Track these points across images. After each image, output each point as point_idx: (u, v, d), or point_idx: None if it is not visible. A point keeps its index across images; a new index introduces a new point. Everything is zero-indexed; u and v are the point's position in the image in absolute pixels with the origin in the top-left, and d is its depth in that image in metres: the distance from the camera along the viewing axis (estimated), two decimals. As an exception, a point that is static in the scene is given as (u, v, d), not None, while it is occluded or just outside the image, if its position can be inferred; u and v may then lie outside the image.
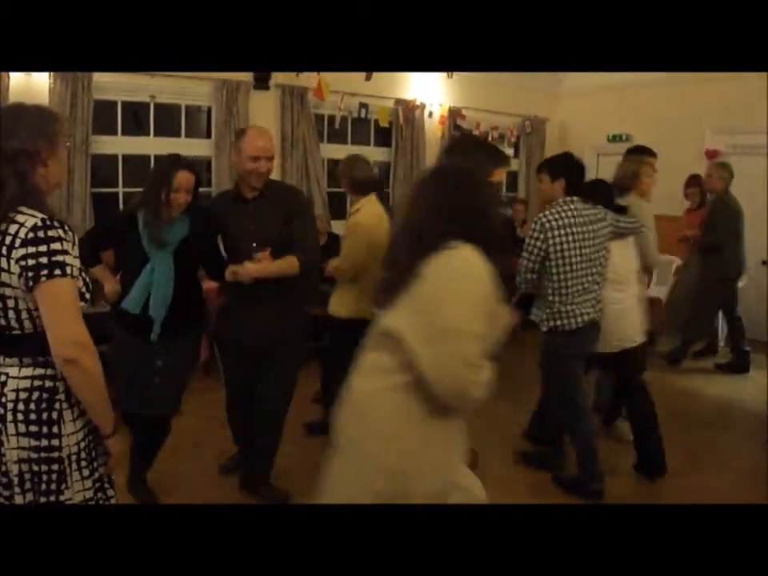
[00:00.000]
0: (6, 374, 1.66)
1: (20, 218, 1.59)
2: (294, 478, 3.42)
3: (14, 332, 1.65)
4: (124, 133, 5.73)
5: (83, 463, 1.73)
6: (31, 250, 1.57)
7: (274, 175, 6.24)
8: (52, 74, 5.00)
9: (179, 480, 3.48)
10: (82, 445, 1.72)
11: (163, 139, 5.93)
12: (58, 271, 1.58)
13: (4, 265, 1.59)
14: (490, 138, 8.14)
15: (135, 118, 5.98)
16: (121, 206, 5.69)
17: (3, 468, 1.68)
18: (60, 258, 1.59)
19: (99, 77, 5.20)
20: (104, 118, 5.56)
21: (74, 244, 1.66)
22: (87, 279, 1.74)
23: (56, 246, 1.59)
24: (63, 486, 1.68)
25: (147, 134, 5.86)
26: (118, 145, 5.69)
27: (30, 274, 1.57)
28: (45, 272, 1.57)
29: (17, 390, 1.64)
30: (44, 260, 1.57)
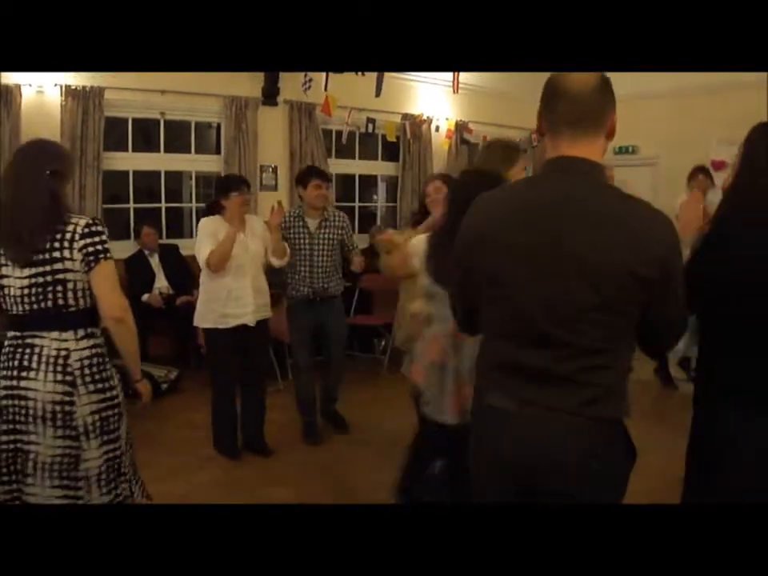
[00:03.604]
0: (67, 349, 2.09)
1: (73, 220, 2.10)
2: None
3: (71, 309, 2.10)
4: (135, 149, 5.82)
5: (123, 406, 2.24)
6: (89, 240, 2.08)
7: (282, 190, 6.36)
8: (64, 91, 5.09)
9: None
10: (121, 395, 2.22)
11: (173, 155, 6.01)
12: (108, 255, 2.12)
13: (67, 255, 2.07)
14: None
15: (145, 135, 6.07)
16: (132, 222, 5.75)
17: (74, 423, 2.07)
18: (106, 245, 2.12)
19: (110, 94, 5.28)
20: (115, 134, 5.65)
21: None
22: None
23: (103, 237, 2.11)
24: (120, 425, 2.19)
25: (158, 150, 5.94)
26: (129, 161, 5.77)
27: (91, 258, 2.08)
28: (101, 256, 2.09)
29: (80, 360, 2.10)
30: (99, 247, 2.09)
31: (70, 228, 2.07)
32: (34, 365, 2.06)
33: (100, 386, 2.11)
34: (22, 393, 2.05)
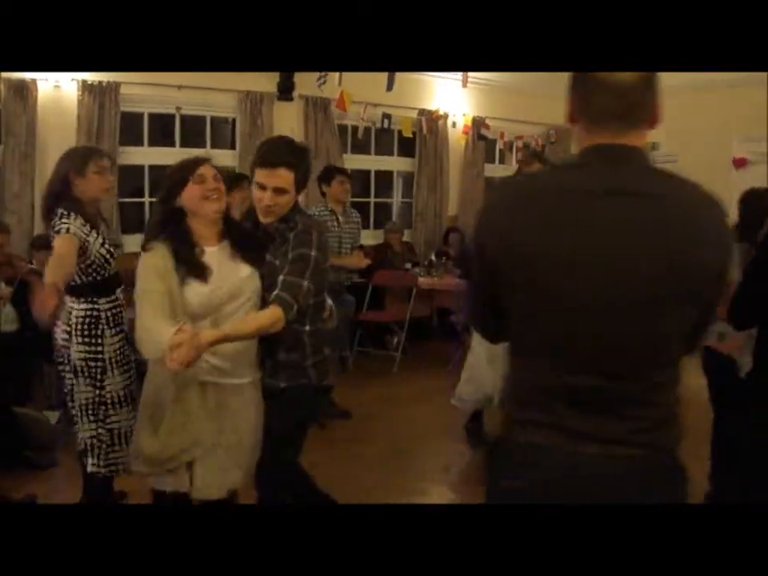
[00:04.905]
0: (72, 308, 2.74)
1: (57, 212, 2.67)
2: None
3: (71, 284, 2.66)
4: (150, 144, 5.84)
5: (120, 363, 2.79)
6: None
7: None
8: (80, 86, 5.12)
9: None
10: (118, 352, 2.78)
11: (189, 150, 6.01)
12: (61, 232, 2.62)
13: None
14: (514, 148, 8.11)
15: (161, 130, 6.09)
16: (147, 216, 5.77)
17: (70, 362, 2.73)
18: (64, 226, 2.61)
19: (126, 89, 5.30)
20: (131, 129, 5.68)
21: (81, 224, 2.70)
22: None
23: (64, 220, 2.62)
24: (105, 377, 2.73)
25: (173, 144, 5.95)
26: (145, 155, 5.80)
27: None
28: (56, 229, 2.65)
29: (77, 317, 2.72)
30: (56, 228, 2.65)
31: (55, 220, 2.66)
32: (61, 319, 2.77)
33: (87, 340, 2.73)
34: (54, 338, 2.82)
